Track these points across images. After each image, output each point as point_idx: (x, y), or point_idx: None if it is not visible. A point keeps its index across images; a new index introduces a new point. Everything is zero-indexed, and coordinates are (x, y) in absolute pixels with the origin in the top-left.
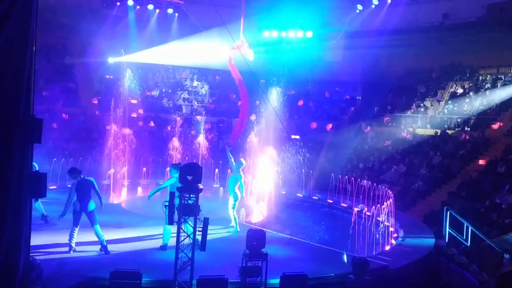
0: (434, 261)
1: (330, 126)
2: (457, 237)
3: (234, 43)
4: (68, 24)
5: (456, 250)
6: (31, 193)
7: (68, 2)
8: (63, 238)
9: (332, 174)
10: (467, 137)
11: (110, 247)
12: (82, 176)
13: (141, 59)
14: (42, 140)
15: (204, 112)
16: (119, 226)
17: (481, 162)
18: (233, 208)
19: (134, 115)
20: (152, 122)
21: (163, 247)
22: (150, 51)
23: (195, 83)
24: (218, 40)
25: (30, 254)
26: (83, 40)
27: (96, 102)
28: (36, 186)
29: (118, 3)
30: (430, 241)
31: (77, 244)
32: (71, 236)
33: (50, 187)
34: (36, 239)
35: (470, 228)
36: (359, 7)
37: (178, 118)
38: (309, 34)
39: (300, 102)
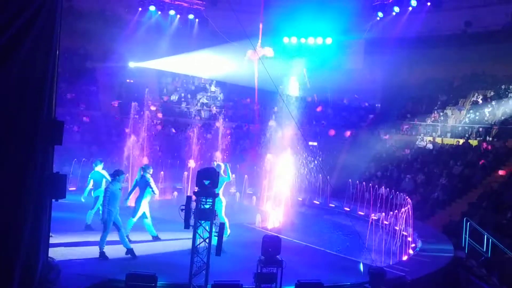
0: (453, 272)
1: (348, 133)
2: (477, 248)
3: (254, 49)
4: (91, 29)
5: (475, 262)
6: (51, 194)
7: (91, 8)
8: (81, 238)
9: (350, 180)
10: (489, 147)
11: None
12: None
13: (161, 66)
14: (63, 142)
15: (222, 117)
16: (135, 228)
17: (503, 172)
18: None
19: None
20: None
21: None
22: (170, 59)
23: (213, 88)
24: (236, 52)
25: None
26: (105, 45)
27: (116, 105)
28: (56, 187)
29: (140, 9)
30: (449, 252)
31: (91, 245)
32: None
33: (70, 189)
34: (55, 240)
35: (490, 239)
36: (380, 14)
37: (197, 123)
38: (329, 41)
39: (319, 108)
